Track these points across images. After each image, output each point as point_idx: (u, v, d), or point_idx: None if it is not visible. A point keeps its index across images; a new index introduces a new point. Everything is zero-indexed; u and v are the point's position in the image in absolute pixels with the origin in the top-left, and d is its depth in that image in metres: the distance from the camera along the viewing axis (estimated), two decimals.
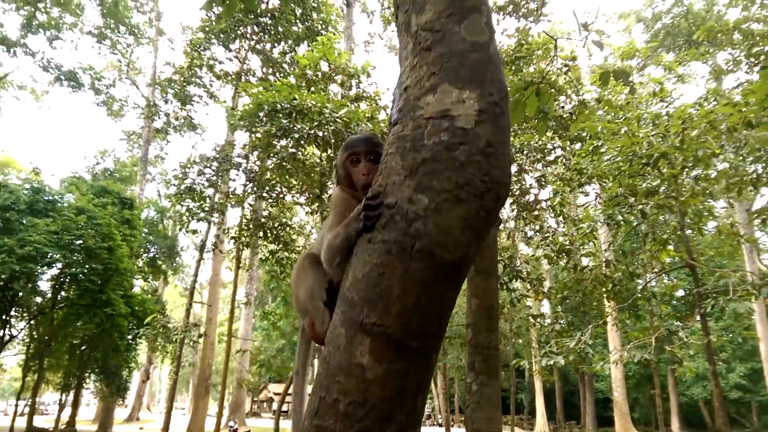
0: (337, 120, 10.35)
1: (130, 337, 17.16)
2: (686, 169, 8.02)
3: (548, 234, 11.41)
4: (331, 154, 11.00)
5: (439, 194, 1.18)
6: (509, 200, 12.13)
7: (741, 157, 7.91)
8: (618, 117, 9.08)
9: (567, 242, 10.58)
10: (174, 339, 13.92)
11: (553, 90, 3.30)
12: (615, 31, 25.28)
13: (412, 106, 1.29)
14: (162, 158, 24.62)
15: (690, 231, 9.38)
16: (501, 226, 12.44)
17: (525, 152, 11.77)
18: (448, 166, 1.20)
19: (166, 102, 16.70)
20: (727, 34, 12.39)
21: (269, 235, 13.10)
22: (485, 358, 3.33)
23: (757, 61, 10.65)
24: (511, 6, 13.21)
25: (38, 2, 19.18)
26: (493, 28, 1.37)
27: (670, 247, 9.37)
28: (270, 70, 16.87)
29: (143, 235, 19.86)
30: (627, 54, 11.18)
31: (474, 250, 1.24)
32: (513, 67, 12.07)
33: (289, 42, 16.54)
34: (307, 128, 10.13)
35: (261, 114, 10.81)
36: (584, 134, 10.45)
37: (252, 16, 15.13)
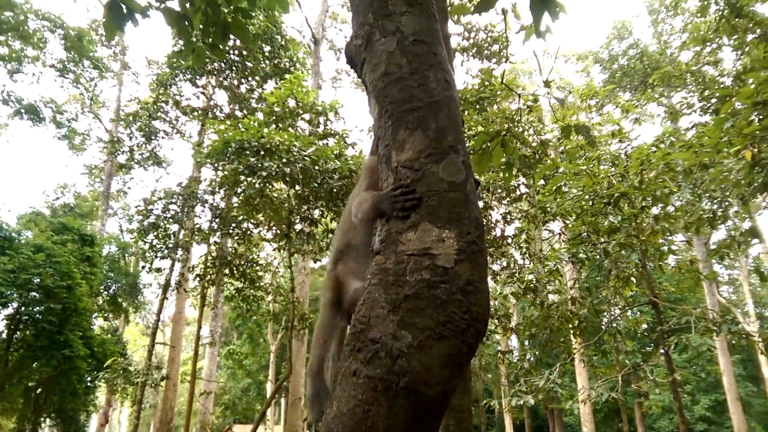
0: (306, 158, 10.36)
1: (89, 379, 16.49)
2: (646, 208, 8.25)
3: (515, 270, 11.52)
4: (299, 191, 10.96)
5: (422, 331, 1.23)
6: None
7: (697, 197, 8.18)
8: (579, 157, 9.34)
9: (533, 279, 10.70)
10: (135, 382, 13.43)
11: (517, 142, 3.36)
12: (574, 71, 26.18)
13: (394, 239, 1.35)
14: (125, 192, 24.06)
15: (651, 266, 9.60)
16: None
17: (491, 190, 11.96)
18: (430, 303, 1.25)
19: (130, 137, 16.46)
20: (681, 78, 12.97)
21: (235, 272, 12.88)
22: (458, 421, 3.30)
23: (709, 104, 11.17)
24: (475, 48, 13.60)
25: None
26: (470, 165, 1.47)
27: (633, 280, 9.55)
28: (237, 107, 16.85)
29: (104, 272, 19.29)
30: (586, 94, 11.57)
31: (455, 383, 1.28)
32: (477, 107, 12.35)
33: (257, 78, 16.59)
34: (275, 166, 10.10)
35: (228, 151, 10.74)
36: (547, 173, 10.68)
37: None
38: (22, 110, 20.45)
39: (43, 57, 20.53)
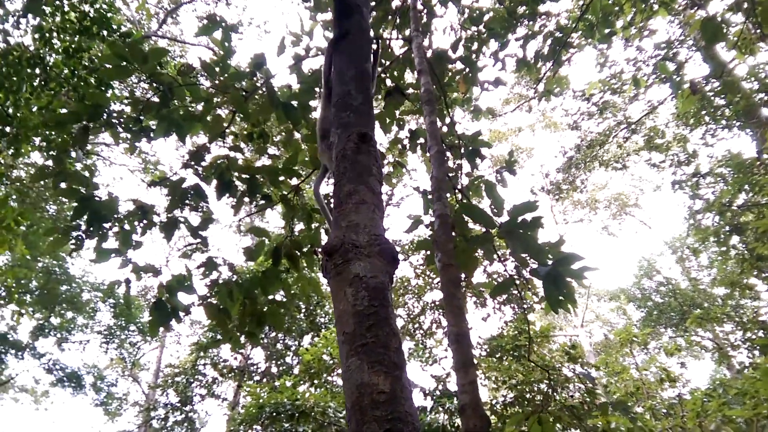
0: (341, 419, 10.06)
1: None
2: None
3: None
4: None
5: None
6: None
7: None
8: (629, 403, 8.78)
9: None
10: None
11: (552, 419, 3.22)
12: (608, 309, 26.16)
13: None
14: None
15: None
16: None
17: None
18: None
19: (165, 406, 16.38)
20: (718, 319, 12.85)
21: None
22: None
23: (754, 346, 10.83)
24: (505, 297, 13.90)
25: (55, 306, 20.19)
26: None
27: None
28: (274, 363, 16.91)
29: None
30: (625, 339, 11.37)
31: None
32: (516, 354, 12.14)
33: (293, 335, 16.92)
34: (310, 430, 9.79)
35: (262, 417, 10.50)
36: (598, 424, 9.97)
37: None
38: (65, 378, 20.80)
39: (91, 324, 21.60)
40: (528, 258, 3.58)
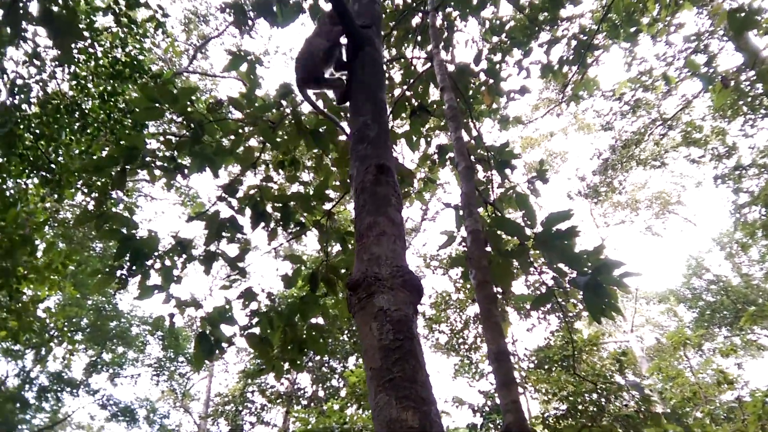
0: None
1: None
2: None
3: None
4: None
5: None
6: None
7: None
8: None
9: None
10: None
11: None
12: (658, 312, 25.38)
13: None
14: None
15: None
16: None
17: None
18: None
19: None
20: None
21: None
22: None
23: None
24: (549, 306, 13.65)
25: (106, 342, 20.74)
26: None
27: None
28: (320, 386, 16.95)
29: None
30: (678, 342, 10.98)
31: None
32: (565, 365, 11.87)
33: (338, 357, 16.95)
34: None
35: None
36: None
37: None
38: (119, 413, 21.25)
39: (141, 358, 22.09)
40: (566, 268, 3.52)
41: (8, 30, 2.93)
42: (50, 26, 2.56)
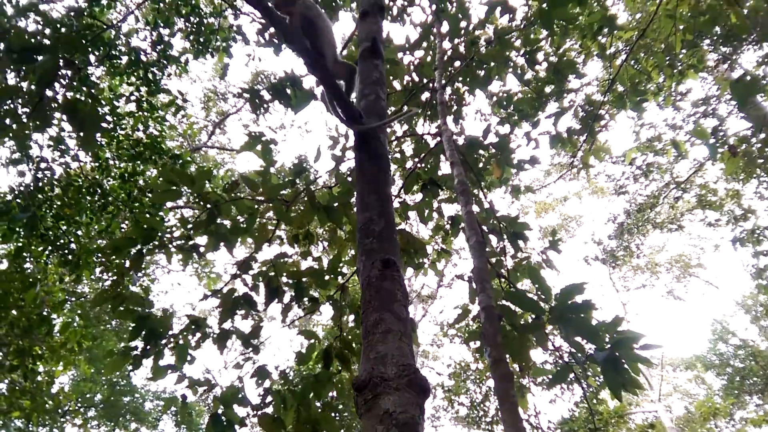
0: None
1: None
2: None
3: None
4: None
5: None
6: None
7: None
8: None
9: None
10: None
11: None
12: (686, 379, 24.45)
13: None
14: None
15: None
16: None
17: None
18: None
19: None
20: None
21: None
22: None
23: None
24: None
25: (119, 418, 20.38)
26: None
27: None
28: None
29: None
30: (707, 412, 10.53)
31: None
32: None
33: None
34: None
35: None
36: None
37: None
38: None
39: None
40: (584, 342, 3.45)
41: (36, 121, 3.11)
42: (75, 119, 2.69)
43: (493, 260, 4.90)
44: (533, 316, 3.51)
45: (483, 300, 3.12)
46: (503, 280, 4.35)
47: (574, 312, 3.38)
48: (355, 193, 2.32)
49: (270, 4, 2.37)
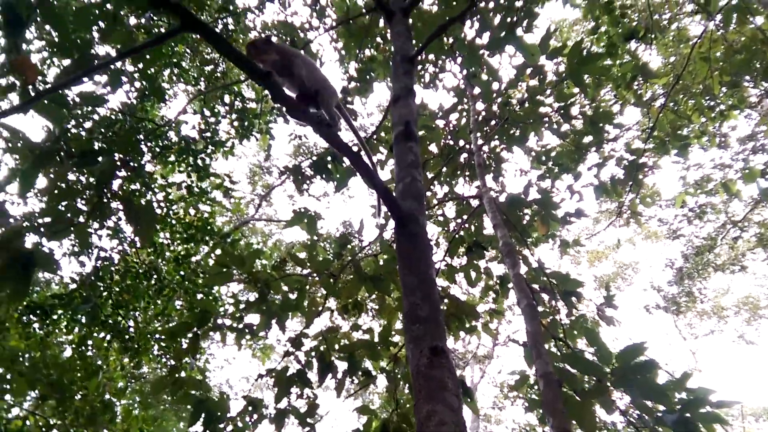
0: None
1: None
2: None
3: None
4: None
5: None
6: None
7: None
8: None
9: None
10: None
11: None
12: None
13: None
14: None
15: None
16: None
17: None
18: None
19: None
20: None
21: None
22: None
23: None
24: None
25: None
26: None
27: None
28: None
29: None
30: None
31: None
32: None
33: None
34: None
35: None
36: None
37: None
38: None
39: None
40: (652, 405, 3.29)
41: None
42: (131, 211, 2.85)
43: (548, 320, 4.78)
44: (595, 379, 3.37)
45: (540, 367, 3.03)
46: (560, 342, 4.23)
47: (637, 372, 3.24)
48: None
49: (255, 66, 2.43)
